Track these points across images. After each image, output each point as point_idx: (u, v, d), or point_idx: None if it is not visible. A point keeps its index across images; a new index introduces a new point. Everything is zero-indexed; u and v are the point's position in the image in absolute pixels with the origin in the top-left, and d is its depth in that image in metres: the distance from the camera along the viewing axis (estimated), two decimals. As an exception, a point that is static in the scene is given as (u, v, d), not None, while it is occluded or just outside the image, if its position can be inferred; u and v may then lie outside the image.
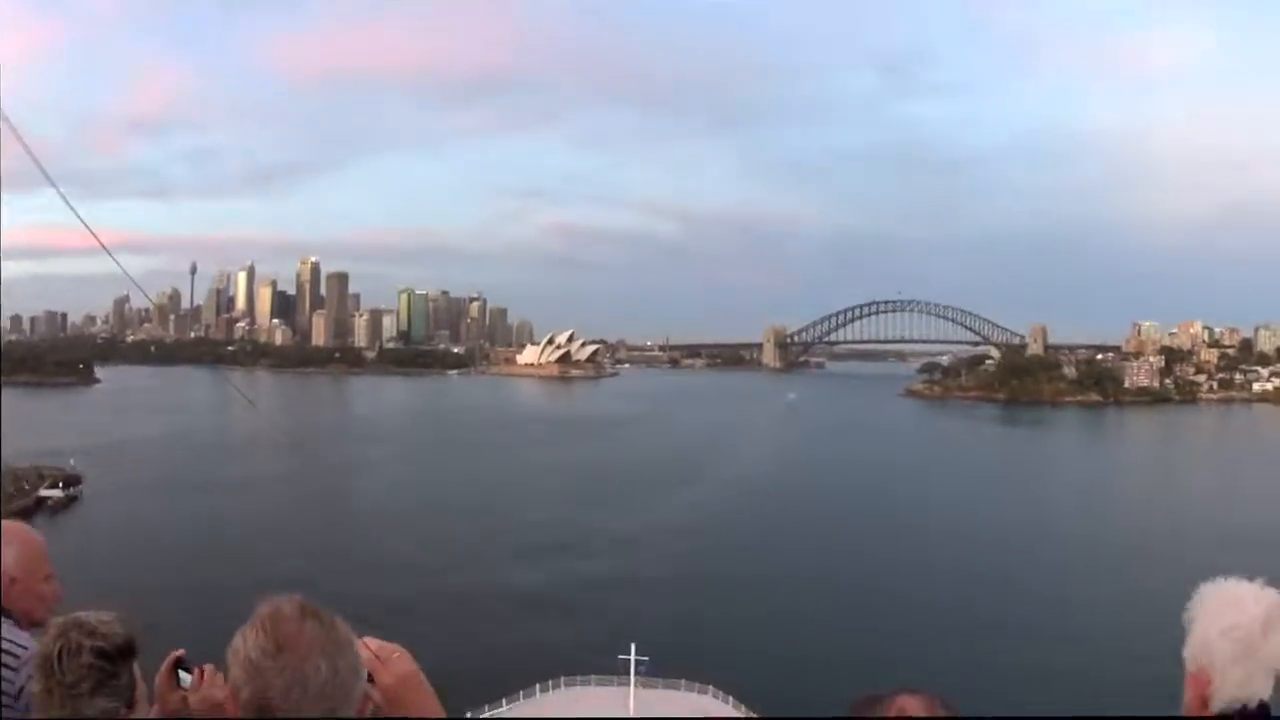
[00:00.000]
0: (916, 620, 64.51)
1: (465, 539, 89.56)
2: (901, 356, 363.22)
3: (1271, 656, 3.15)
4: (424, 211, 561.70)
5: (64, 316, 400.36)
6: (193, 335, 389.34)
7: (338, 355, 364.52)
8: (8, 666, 3.84)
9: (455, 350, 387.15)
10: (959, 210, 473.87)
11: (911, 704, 2.58)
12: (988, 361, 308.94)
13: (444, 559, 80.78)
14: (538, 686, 43.91)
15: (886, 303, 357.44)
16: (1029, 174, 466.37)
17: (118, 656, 3.45)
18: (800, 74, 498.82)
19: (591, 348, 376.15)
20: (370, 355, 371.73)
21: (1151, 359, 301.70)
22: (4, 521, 4.25)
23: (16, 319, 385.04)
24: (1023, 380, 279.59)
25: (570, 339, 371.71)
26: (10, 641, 3.90)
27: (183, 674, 3.57)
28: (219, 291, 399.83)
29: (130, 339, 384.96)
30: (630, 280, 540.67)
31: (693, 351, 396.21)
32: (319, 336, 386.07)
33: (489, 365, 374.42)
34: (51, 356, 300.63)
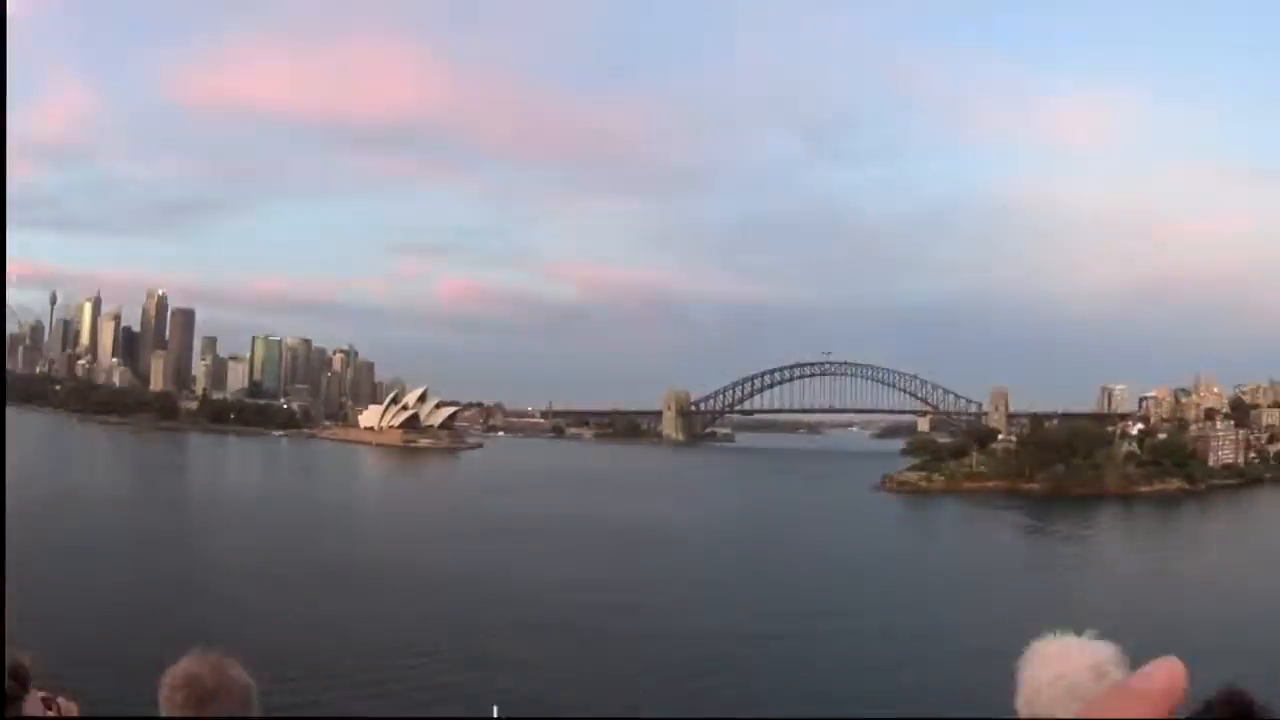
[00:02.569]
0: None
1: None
2: (813, 428, 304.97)
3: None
4: (313, 261, 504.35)
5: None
6: (38, 371, 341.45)
7: (149, 403, 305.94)
8: None
9: (288, 408, 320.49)
10: (882, 280, 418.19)
11: None
12: (1000, 438, 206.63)
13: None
14: None
15: (811, 365, 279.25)
16: (950, 245, 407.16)
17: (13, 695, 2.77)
18: (726, 140, 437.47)
19: (448, 410, 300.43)
20: (192, 407, 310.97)
21: (1219, 424, 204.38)
22: None
23: None
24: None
25: (422, 398, 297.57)
26: None
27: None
28: (66, 324, 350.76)
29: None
30: (519, 343, 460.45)
31: (580, 419, 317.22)
32: (156, 381, 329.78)
33: (326, 427, 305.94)
34: None
